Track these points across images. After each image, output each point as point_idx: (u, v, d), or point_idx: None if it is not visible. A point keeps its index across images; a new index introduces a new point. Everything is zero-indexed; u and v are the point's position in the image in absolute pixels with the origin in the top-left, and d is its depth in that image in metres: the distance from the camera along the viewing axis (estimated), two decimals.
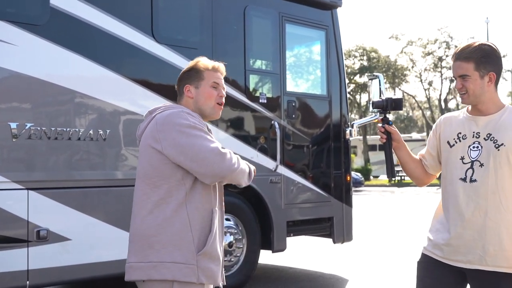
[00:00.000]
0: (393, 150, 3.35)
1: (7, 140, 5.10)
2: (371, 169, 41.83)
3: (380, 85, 7.99)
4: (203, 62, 2.96)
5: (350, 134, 7.96)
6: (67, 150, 5.45)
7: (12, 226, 5.11)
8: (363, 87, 45.85)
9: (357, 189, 32.19)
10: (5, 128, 5.09)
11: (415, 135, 47.41)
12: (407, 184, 36.59)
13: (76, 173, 5.48)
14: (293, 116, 7.30)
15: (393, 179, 36.49)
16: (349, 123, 8.00)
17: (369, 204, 21.39)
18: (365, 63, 47.02)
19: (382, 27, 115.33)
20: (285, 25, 7.29)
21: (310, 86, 8.49)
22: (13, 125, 5.12)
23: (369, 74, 8.62)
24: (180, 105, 2.88)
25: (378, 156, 42.40)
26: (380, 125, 3.39)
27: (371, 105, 3.46)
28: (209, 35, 6.59)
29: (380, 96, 7.93)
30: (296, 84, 8.09)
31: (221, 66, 2.98)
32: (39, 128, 5.25)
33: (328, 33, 7.80)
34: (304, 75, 8.57)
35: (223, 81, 2.98)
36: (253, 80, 7.07)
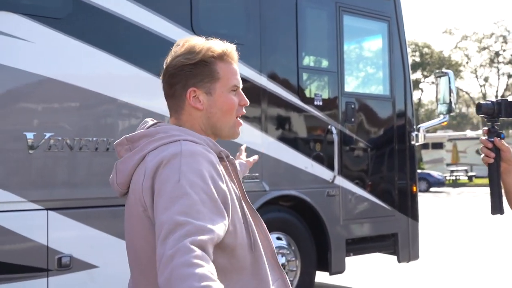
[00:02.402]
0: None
1: (22, 153, 4.39)
2: (423, 169, 40.64)
3: (450, 83, 7.22)
4: (213, 46, 1.95)
5: (416, 139, 7.32)
6: (93, 163, 4.73)
7: (29, 252, 4.40)
8: (415, 85, 44.72)
9: (438, 189, 31.14)
10: (20, 138, 4.38)
11: (469, 133, 45.99)
12: (463, 184, 35.22)
13: (104, 190, 4.73)
14: (352, 119, 6.49)
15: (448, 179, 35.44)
16: (414, 127, 7.17)
17: (426, 208, 20.28)
18: (417, 59, 46.08)
19: (435, 21, 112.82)
20: (342, 17, 6.47)
21: (371, 86, 7.67)
22: (30, 135, 4.41)
23: (438, 71, 7.72)
24: (180, 129, 1.92)
25: (431, 155, 41.19)
26: (485, 138, 2.44)
27: (476, 109, 2.43)
28: (256, 28, 5.80)
29: (450, 95, 7.00)
30: (355, 83, 7.27)
31: (233, 50, 2.02)
32: (60, 138, 4.52)
33: (391, 25, 6.97)
34: (364, 73, 7.75)
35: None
36: (306, 79, 6.29)
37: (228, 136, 2.03)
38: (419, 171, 33.44)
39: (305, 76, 6.23)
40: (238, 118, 2.04)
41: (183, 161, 1.75)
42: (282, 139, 5.97)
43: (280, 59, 6.05)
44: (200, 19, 5.39)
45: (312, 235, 6.19)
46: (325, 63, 6.62)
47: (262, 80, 5.75)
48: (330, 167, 6.26)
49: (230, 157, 1.95)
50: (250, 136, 5.65)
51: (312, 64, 6.58)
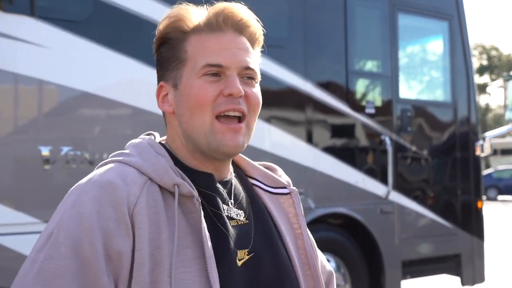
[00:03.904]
0: None
1: (36, 169, 4.01)
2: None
3: None
4: (180, 13, 1.37)
5: (482, 150, 6.70)
6: None
7: None
8: (482, 89, 43.48)
9: (508, 198, 30.00)
10: (34, 153, 4.00)
11: None
12: None
13: None
14: (408, 128, 5.92)
15: None
16: (479, 135, 6.57)
17: (493, 220, 19.28)
18: (485, 62, 44.74)
19: (503, 22, 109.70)
20: (397, 16, 5.93)
21: (429, 91, 7.10)
22: (45, 150, 4.03)
23: (506, 74, 7.18)
24: (142, 145, 1.38)
25: (499, 161, 39.90)
26: None
27: None
28: (300, 29, 5.32)
29: None
30: (411, 88, 6.77)
31: (231, 10, 1.38)
32: (78, 153, 4.13)
33: (452, 24, 6.38)
34: (422, 77, 7.20)
35: (243, 56, 1.37)
36: (357, 85, 5.77)
37: (210, 150, 1.35)
38: (490, 170, 32.27)
39: (355, 81, 5.72)
40: (224, 121, 1.34)
41: (76, 201, 1.24)
42: (330, 151, 5.46)
43: (327, 63, 5.56)
44: None
45: (364, 257, 5.68)
46: (377, 67, 6.12)
47: (307, 87, 5.25)
48: (384, 181, 5.73)
49: (196, 197, 1.29)
50: (294, 148, 5.19)
51: (363, 68, 6.05)
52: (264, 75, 5.06)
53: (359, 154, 5.70)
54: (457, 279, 6.43)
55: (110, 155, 1.38)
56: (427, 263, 6.18)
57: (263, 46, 1.47)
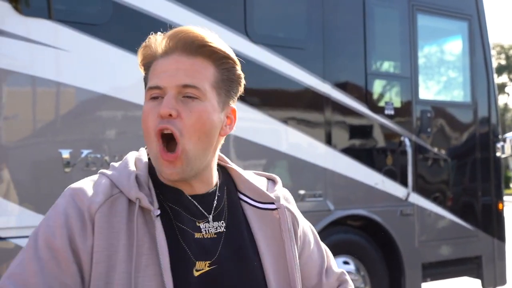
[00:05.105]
0: None
1: (57, 172, 4.01)
2: (510, 177, 38.90)
3: None
4: (150, 42, 1.46)
5: (502, 151, 6.61)
6: None
7: None
8: (501, 89, 43.03)
9: None
10: (54, 156, 4.01)
11: None
12: None
13: None
14: (428, 130, 5.85)
15: None
16: (500, 136, 6.47)
17: None
18: (503, 62, 44.24)
19: None
20: (416, 16, 5.86)
21: (449, 92, 7.00)
22: (65, 153, 4.03)
23: None
24: (129, 159, 1.51)
25: None
26: None
27: None
28: (318, 31, 5.26)
29: None
30: (431, 89, 6.66)
31: (181, 33, 1.41)
32: (99, 156, 4.13)
33: (472, 24, 6.30)
34: (442, 78, 7.10)
35: (182, 75, 1.40)
36: (376, 86, 5.71)
37: (159, 173, 1.46)
38: None
39: (374, 82, 5.66)
40: (163, 152, 1.40)
41: (56, 203, 1.43)
42: (349, 152, 5.40)
43: (345, 64, 5.50)
44: (255, 23, 4.91)
45: (384, 259, 5.61)
46: (396, 68, 6.02)
47: (325, 88, 5.21)
48: (404, 183, 5.65)
49: (153, 211, 1.39)
50: (313, 149, 5.15)
51: (382, 69, 5.97)
52: (283, 77, 5.00)
53: (378, 156, 5.64)
54: (478, 282, 6.34)
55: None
56: (447, 265, 6.09)
57: (234, 62, 1.47)
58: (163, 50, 1.41)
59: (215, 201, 1.50)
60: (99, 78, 4.21)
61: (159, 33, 1.45)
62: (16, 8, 3.92)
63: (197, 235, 1.43)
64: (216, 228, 1.47)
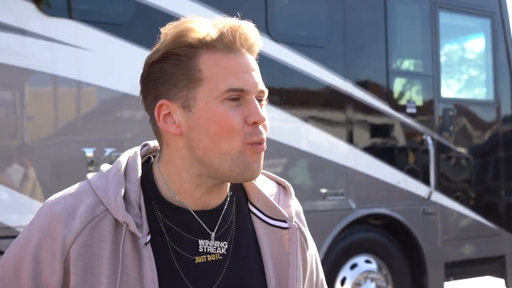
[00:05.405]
0: None
1: (81, 171, 4.03)
2: None
3: None
4: (190, 27, 1.27)
5: None
6: None
7: None
8: None
9: None
10: (78, 155, 4.03)
11: None
12: None
13: None
14: (450, 128, 5.80)
15: None
16: None
17: None
18: None
19: None
20: (438, 14, 5.81)
21: (471, 90, 6.99)
22: (89, 152, 4.06)
23: None
24: (118, 164, 1.32)
25: None
26: None
27: None
28: (340, 29, 5.25)
29: None
30: (453, 87, 6.63)
31: (235, 28, 1.27)
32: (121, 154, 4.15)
33: (495, 21, 6.23)
34: (464, 76, 7.06)
35: (259, 79, 1.29)
36: (398, 84, 5.68)
37: (230, 175, 1.25)
38: None
39: (395, 81, 5.63)
40: (254, 145, 1.25)
41: (32, 221, 1.30)
42: (371, 151, 5.38)
43: (367, 62, 5.48)
44: (276, 21, 4.91)
45: (406, 258, 5.58)
46: (418, 66, 5.99)
47: (347, 87, 5.19)
48: (426, 181, 5.61)
49: (141, 239, 1.22)
50: (334, 148, 5.14)
51: (403, 67, 5.95)
52: (304, 75, 5.00)
53: (400, 154, 5.60)
54: (501, 281, 6.30)
55: (101, 166, 1.37)
56: (470, 264, 6.04)
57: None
58: (229, 44, 1.26)
59: (221, 217, 1.33)
60: (121, 77, 4.23)
61: (194, 17, 1.31)
62: (39, 8, 3.95)
63: (198, 259, 1.29)
64: (219, 248, 1.31)
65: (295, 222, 1.39)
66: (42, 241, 1.23)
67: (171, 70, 1.26)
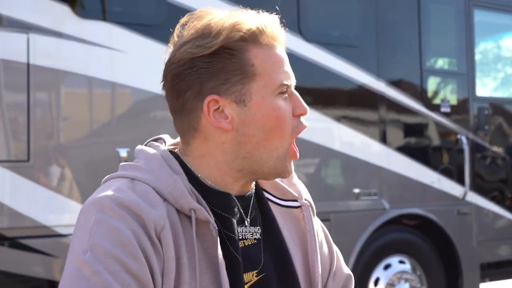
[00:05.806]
0: None
1: (115, 170, 4.07)
2: None
3: None
4: (240, 21, 1.23)
5: None
6: None
7: None
8: None
9: None
10: (112, 155, 4.08)
11: None
12: None
13: None
14: (486, 127, 5.73)
15: None
16: None
17: None
18: None
19: None
20: (473, 12, 5.75)
21: (507, 88, 6.87)
22: (123, 152, 4.10)
23: None
24: (155, 157, 1.27)
25: None
26: None
27: None
28: (372, 28, 5.22)
29: None
30: (489, 86, 6.56)
31: (274, 23, 1.27)
32: None
33: None
34: (500, 74, 6.96)
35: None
36: (432, 83, 5.63)
37: (270, 173, 1.28)
38: None
39: (430, 79, 5.59)
40: (294, 153, 1.29)
41: (98, 218, 1.15)
42: (404, 150, 5.34)
43: (400, 61, 5.45)
44: (309, 21, 4.91)
45: (441, 259, 5.52)
46: (453, 65, 5.94)
47: (380, 86, 5.16)
48: (461, 181, 5.55)
49: (212, 223, 1.21)
50: (367, 148, 5.12)
51: (438, 66, 5.90)
52: (336, 75, 4.98)
53: (434, 154, 5.56)
54: None
55: (120, 166, 1.31)
56: (506, 265, 5.98)
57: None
58: (273, 38, 1.26)
59: (251, 203, 1.34)
60: (154, 78, 4.26)
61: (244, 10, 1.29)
62: (73, 10, 4.02)
63: (242, 243, 1.28)
64: (254, 233, 1.32)
65: (305, 199, 1.41)
66: (135, 231, 1.14)
67: (221, 64, 1.22)
